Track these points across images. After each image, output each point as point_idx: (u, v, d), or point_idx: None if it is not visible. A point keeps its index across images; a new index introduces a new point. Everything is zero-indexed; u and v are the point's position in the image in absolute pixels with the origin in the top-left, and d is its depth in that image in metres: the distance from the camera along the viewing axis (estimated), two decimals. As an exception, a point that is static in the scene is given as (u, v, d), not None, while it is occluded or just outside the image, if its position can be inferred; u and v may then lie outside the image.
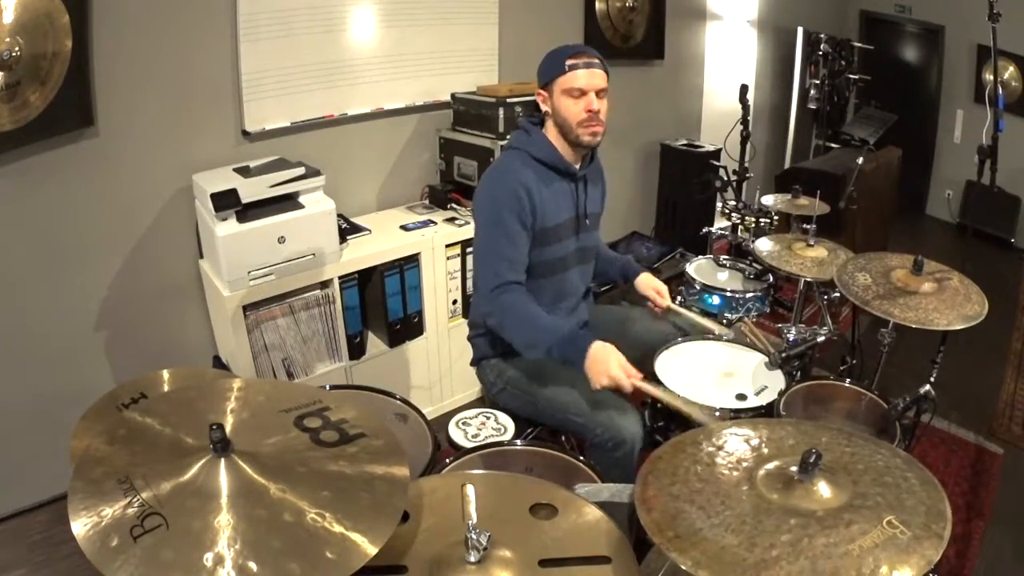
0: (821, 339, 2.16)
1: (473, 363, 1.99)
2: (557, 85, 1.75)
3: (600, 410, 1.70)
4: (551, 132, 1.82)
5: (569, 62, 1.72)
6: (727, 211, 3.27)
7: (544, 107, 1.81)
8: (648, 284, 2.07)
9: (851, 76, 4.89)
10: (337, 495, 0.95)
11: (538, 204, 1.76)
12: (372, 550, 0.88)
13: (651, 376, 1.82)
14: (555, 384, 1.79)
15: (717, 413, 1.66)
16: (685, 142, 4.21)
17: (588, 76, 1.73)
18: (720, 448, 1.11)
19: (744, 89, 3.37)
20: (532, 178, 1.76)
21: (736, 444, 1.12)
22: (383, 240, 2.63)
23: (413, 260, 2.64)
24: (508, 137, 2.66)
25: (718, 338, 2.01)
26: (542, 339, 1.67)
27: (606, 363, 1.59)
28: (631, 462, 1.66)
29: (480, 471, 1.30)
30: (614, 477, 1.57)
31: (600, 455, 1.68)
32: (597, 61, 1.75)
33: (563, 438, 1.95)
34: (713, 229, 3.30)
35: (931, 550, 0.86)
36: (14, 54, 1.89)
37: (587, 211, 1.90)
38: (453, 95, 2.96)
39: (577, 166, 1.85)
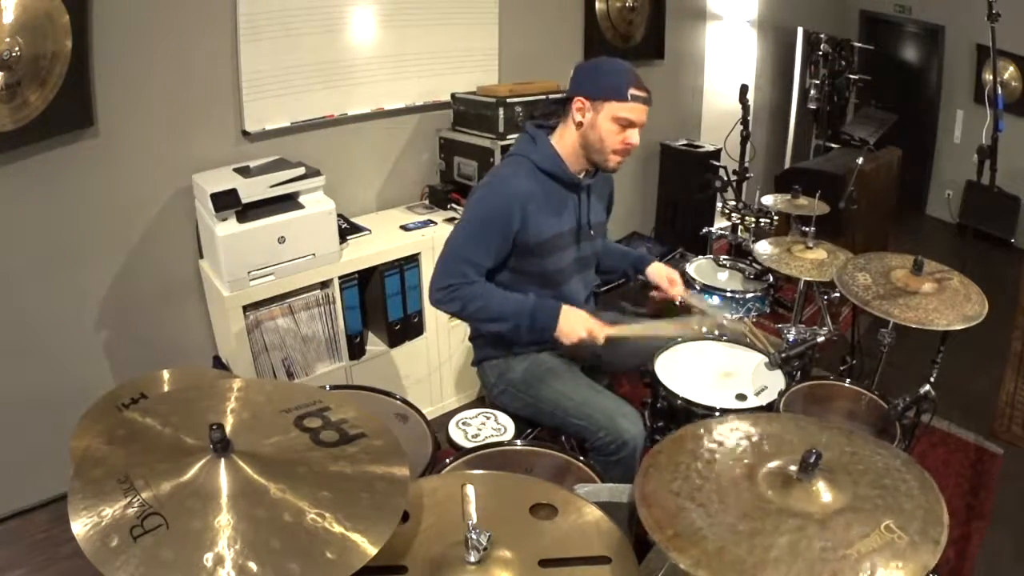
0: (821, 339, 2.16)
1: (474, 363, 1.99)
2: (609, 107, 1.69)
3: (601, 413, 1.70)
4: (565, 139, 1.78)
5: (632, 92, 1.68)
6: (727, 211, 3.27)
7: (580, 117, 1.73)
8: (660, 273, 2.03)
9: (851, 76, 4.88)
10: (337, 495, 0.95)
11: (533, 218, 1.74)
12: (372, 550, 0.88)
13: (652, 377, 1.82)
14: (556, 387, 1.79)
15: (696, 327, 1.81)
16: (685, 142, 4.21)
17: (643, 112, 1.71)
18: (720, 444, 1.11)
19: (744, 89, 3.37)
20: (532, 189, 1.74)
21: (736, 440, 1.11)
22: (383, 240, 2.63)
23: (413, 260, 2.64)
24: (513, 142, 2.68)
25: (719, 338, 2.01)
26: (512, 311, 1.72)
27: (577, 317, 1.71)
28: (633, 463, 1.66)
29: (480, 471, 1.30)
30: (616, 478, 1.58)
31: (602, 457, 1.68)
32: (649, 95, 1.72)
33: (563, 438, 1.95)
34: (713, 229, 3.30)
35: (928, 556, 0.86)
36: (14, 54, 1.89)
37: (589, 221, 1.88)
38: (453, 95, 2.96)
39: (581, 176, 1.83)
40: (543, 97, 2.80)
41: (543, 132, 1.83)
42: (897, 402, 1.68)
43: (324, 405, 1.15)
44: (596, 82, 1.72)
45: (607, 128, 1.71)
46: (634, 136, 1.72)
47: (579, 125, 1.75)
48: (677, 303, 2.04)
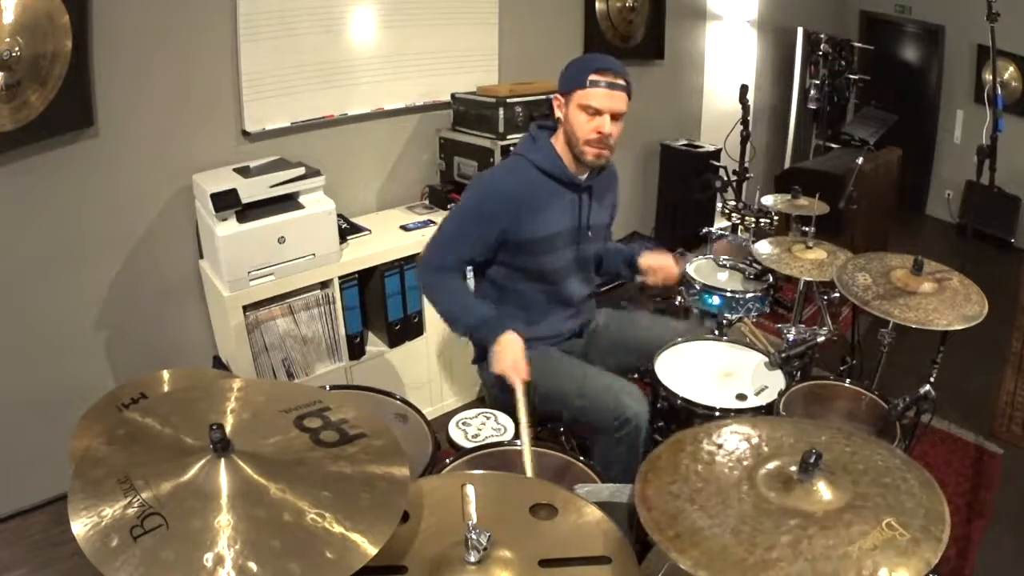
0: (821, 339, 2.16)
1: (474, 361, 1.99)
2: (575, 97, 1.70)
3: (604, 390, 1.71)
4: (560, 140, 1.80)
5: (592, 77, 1.67)
6: (727, 211, 3.27)
7: (558, 112, 1.77)
8: (655, 258, 1.97)
9: (851, 76, 4.88)
10: (337, 495, 0.95)
11: (525, 217, 1.75)
12: (372, 550, 0.88)
13: (652, 377, 1.82)
14: (557, 371, 1.79)
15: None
16: (685, 142, 4.21)
17: (607, 97, 1.68)
18: (720, 447, 1.11)
19: (744, 89, 3.37)
20: (525, 189, 1.75)
21: (736, 443, 1.11)
22: (383, 240, 2.63)
23: (413, 260, 2.64)
24: (513, 141, 2.68)
25: (719, 338, 2.01)
26: (463, 318, 1.78)
27: (505, 354, 1.68)
28: (637, 441, 1.66)
29: (480, 471, 1.30)
30: (620, 456, 1.58)
31: (606, 437, 1.68)
32: (622, 83, 1.70)
33: (563, 438, 1.95)
34: (713, 229, 3.30)
35: (930, 553, 0.86)
36: (14, 54, 1.89)
37: (589, 223, 1.88)
38: (453, 95, 2.96)
39: (583, 177, 1.83)
40: (543, 97, 2.80)
41: (545, 133, 1.83)
42: (897, 402, 1.68)
43: (324, 405, 1.15)
44: (564, 78, 1.75)
45: (576, 119, 1.72)
46: (604, 124, 1.69)
47: (559, 122, 1.78)
48: (679, 296, 2.00)
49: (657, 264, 1.96)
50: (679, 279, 1.97)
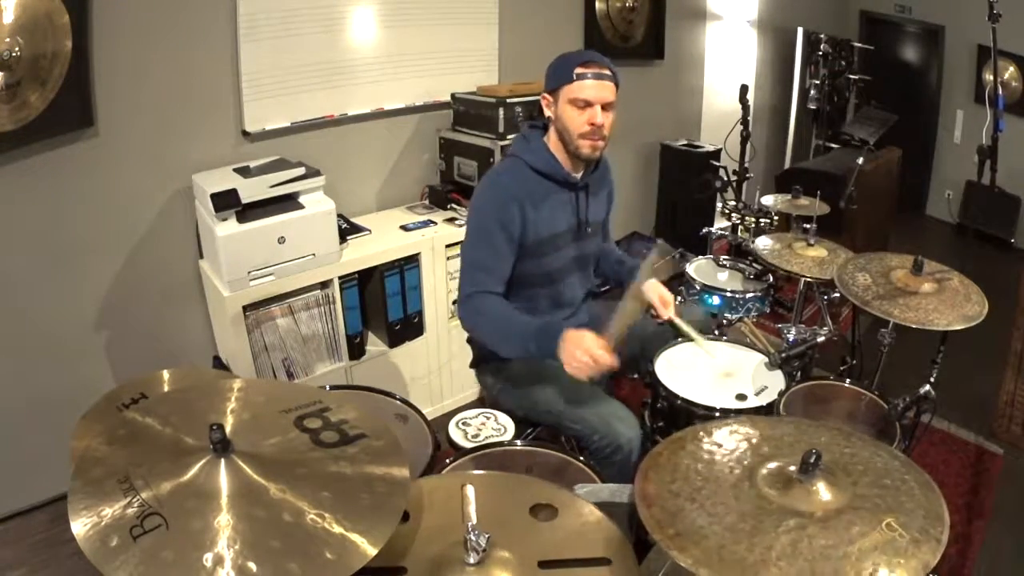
0: (821, 339, 2.16)
1: (472, 365, 1.98)
2: (563, 93, 1.71)
3: (596, 416, 1.70)
4: (553, 139, 1.80)
5: (578, 70, 1.68)
6: (727, 211, 3.27)
7: (548, 112, 1.77)
8: (654, 290, 1.95)
9: (851, 76, 4.89)
10: (337, 496, 0.95)
11: (529, 218, 1.74)
12: (372, 551, 0.88)
13: (652, 377, 1.82)
14: (553, 388, 1.78)
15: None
16: (685, 142, 4.21)
17: (596, 88, 1.68)
18: (720, 446, 1.11)
19: (744, 89, 3.37)
20: (525, 191, 1.74)
21: (736, 442, 1.12)
22: (383, 240, 2.63)
23: (413, 260, 2.64)
24: (511, 141, 2.68)
25: (719, 338, 2.01)
26: (515, 333, 1.67)
27: (581, 341, 1.55)
28: (629, 467, 1.65)
29: (480, 471, 1.30)
30: (612, 479, 1.57)
31: (598, 460, 1.68)
32: (608, 72, 1.70)
33: (563, 438, 1.95)
34: (713, 229, 3.30)
35: (929, 554, 0.86)
36: (14, 54, 1.89)
37: (588, 220, 1.88)
38: (453, 95, 2.96)
39: (578, 175, 1.82)
40: (543, 97, 2.81)
41: (537, 132, 1.83)
42: (897, 402, 1.68)
43: (324, 405, 1.15)
44: (550, 75, 1.76)
45: (568, 114, 1.71)
46: (596, 115, 1.69)
47: (551, 121, 1.78)
48: (662, 321, 1.97)
49: (656, 298, 1.87)
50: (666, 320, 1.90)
